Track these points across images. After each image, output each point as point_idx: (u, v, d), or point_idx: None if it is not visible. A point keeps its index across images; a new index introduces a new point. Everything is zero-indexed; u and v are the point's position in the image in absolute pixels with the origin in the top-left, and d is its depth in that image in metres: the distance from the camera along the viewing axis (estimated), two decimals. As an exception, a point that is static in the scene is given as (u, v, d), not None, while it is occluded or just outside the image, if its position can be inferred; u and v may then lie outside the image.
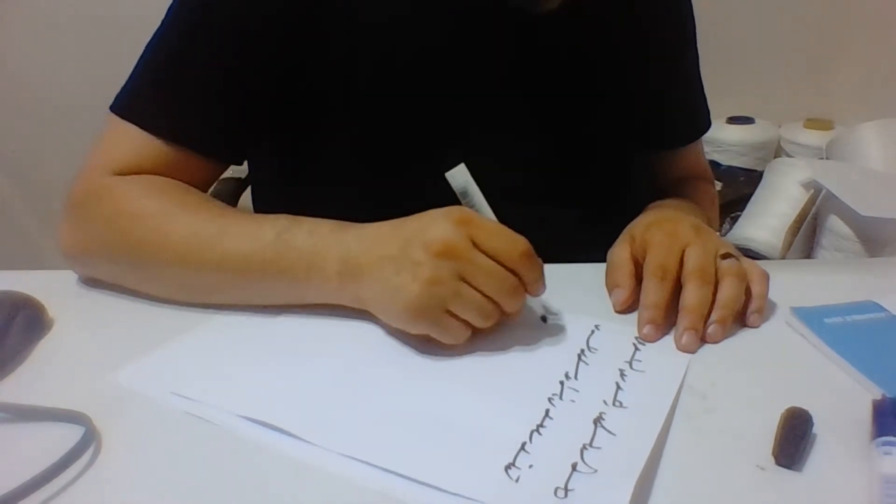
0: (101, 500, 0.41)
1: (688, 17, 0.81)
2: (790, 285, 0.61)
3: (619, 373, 0.51)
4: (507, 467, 0.41)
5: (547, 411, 0.47)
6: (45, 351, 0.54)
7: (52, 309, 0.58)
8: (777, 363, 0.54)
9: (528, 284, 0.53)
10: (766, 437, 0.44)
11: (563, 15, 0.66)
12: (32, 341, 0.55)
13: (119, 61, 0.67)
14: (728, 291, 0.56)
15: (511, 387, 0.50)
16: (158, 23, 0.65)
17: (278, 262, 0.55)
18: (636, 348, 0.54)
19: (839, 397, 0.49)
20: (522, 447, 0.43)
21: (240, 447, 0.44)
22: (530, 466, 0.42)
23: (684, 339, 0.54)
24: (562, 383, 0.50)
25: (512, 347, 0.54)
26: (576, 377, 0.50)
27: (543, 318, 0.56)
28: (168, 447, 0.44)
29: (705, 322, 0.55)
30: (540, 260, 0.53)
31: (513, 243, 0.51)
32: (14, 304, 0.55)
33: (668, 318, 0.56)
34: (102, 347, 0.55)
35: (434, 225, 0.51)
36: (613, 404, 0.48)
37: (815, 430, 0.45)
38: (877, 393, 0.47)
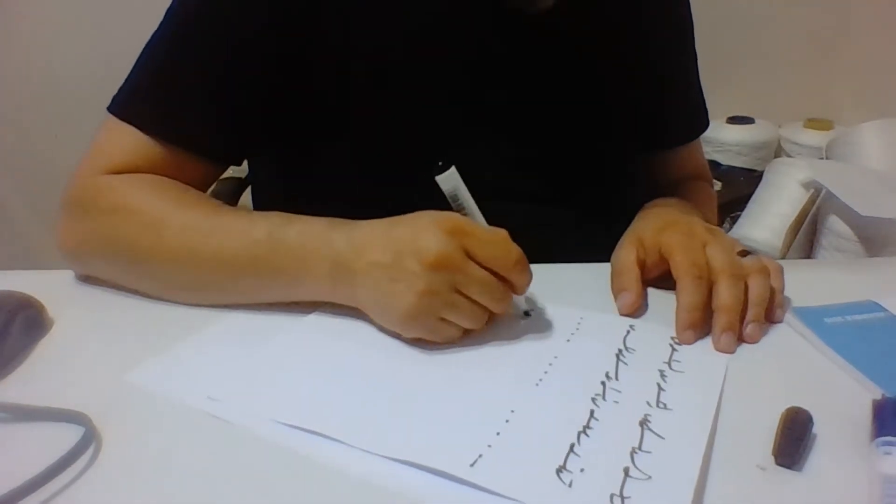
0: (101, 500, 0.40)
1: (686, 17, 0.81)
2: (790, 285, 0.60)
3: (659, 374, 0.51)
4: (559, 470, 0.41)
5: (592, 412, 0.46)
6: (45, 351, 0.54)
7: (52, 309, 0.58)
8: (777, 363, 0.53)
9: (518, 288, 0.54)
10: (766, 437, 0.44)
11: (558, 16, 0.66)
12: (32, 341, 0.54)
13: (120, 61, 0.67)
14: (758, 289, 0.56)
15: (552, 385, 0.49)
16: (158, 22, 0.65)
17: (270, 260, 0.56)
18: (673, 349, 0.54)
19: (839, 397, 0.49)
20: (571, 449, 0.42)
21: (239, 447, 0.44)
22: (581, 470, 0.41)
23: (723, 340, 0.54)
24: (603, 383, 0.49)
25: (548, 346, 0.54)
26: (616, 377, 0.50)
27: (526, 314, 0.57)
28: (168, 447, 0.44)
29: (741, 321, 0.55)
30: (527, 263, 0.53)
31: (507, 252, 0.52)
32: (14, 304, 0.55)
33: (705, 319, 0.56)
34: (102, 347, 0.55)
35: (426, 235, 0.51)
36: (657, 405, 0.47)
37: (815, 430, 0.45)
38: (877, 393, 0.47)
